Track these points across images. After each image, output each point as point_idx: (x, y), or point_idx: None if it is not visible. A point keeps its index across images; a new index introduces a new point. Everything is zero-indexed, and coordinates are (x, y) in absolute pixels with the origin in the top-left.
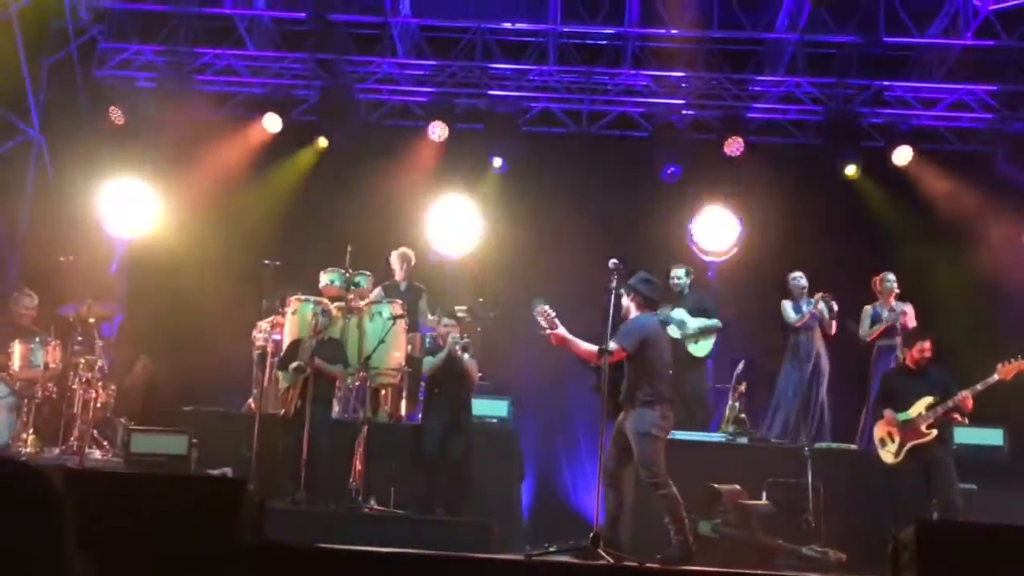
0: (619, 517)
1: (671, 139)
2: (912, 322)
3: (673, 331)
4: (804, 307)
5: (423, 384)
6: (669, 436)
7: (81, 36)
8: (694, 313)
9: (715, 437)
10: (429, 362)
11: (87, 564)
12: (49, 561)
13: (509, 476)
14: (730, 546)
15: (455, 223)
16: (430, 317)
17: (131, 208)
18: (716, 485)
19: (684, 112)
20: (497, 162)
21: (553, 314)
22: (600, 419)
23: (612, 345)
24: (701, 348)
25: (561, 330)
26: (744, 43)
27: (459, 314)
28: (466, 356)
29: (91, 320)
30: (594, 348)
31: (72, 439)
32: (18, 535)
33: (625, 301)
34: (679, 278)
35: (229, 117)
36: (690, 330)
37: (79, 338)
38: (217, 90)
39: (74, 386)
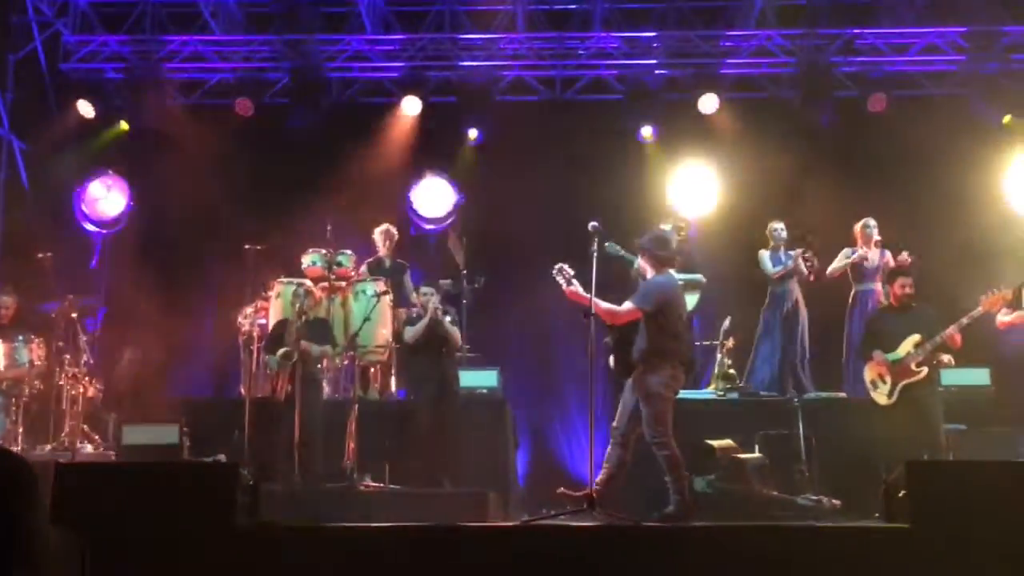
0: (618, 476)
1: (646, 99)
2: (892, 264)
3: None
4: (783, 258)
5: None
6: None
7: (46, 30)
8: (677, 269)
9: (705, 394)
10: (410, 331)
11: (71, 541)
12: (23, 530)
13: (503, 445)
14: (726, 501)
15: (435, 196)
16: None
17: (109, 201)
18: (709, 441)
19: (657, 72)
20: (473, 133)
21: (571, 272)
22: (589, 382)
23: (628, 305)
24: (687, 303)
25: (576, 286)
26: None
27: (444, 287)
28: (447, 319)
29: (74, 315)
30: (611, 307)
31: (63, 435)
32: None
33: (639, 261)
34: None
35: (201, 104)
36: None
37: (63, 334)
38: (187, 77)
39: (61, 382)
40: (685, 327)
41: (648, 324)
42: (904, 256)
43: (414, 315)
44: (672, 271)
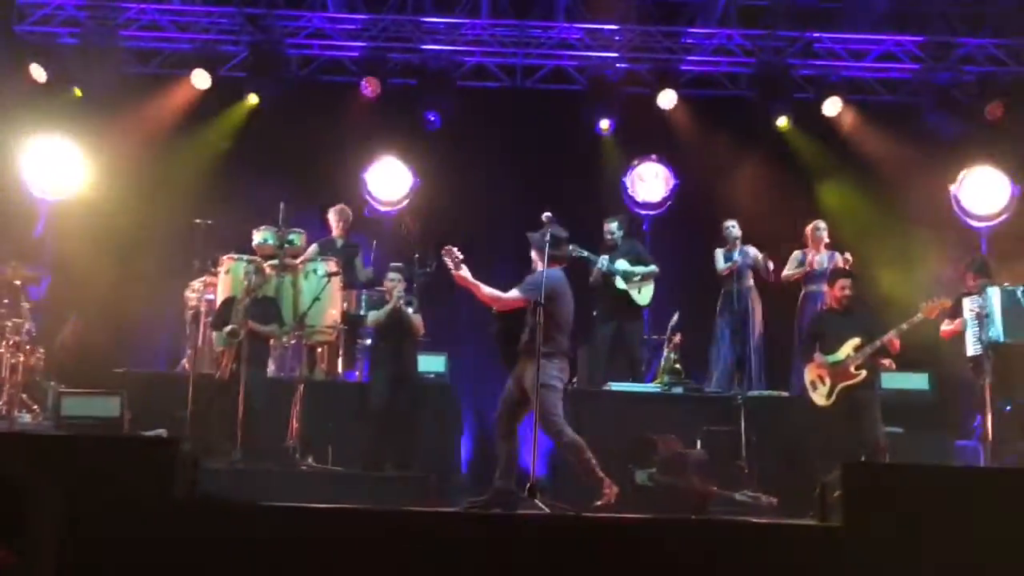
0: (513, 467)
1: (605, 92)
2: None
3: (619, 283)
4: (735, 256)
5: (359, 342)
6: (605, 387)
7: None
8: (632, 262)
9: (651, 388)
10: (373, 315)
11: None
12: None
13: (447, 430)
14: (666, 494)
15: (389, 179)
16: (364, 272)
17: (56, 168)
18: (652, 435)
19: (618, 65)
20: (432, 117)
21: (460, 256)
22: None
23: (515, 292)
24: (644, 296)
25: (464, 271)
26: None
27: (393, 271)
28: (410, 310)
29: (16, 282)
30: (496, 292)
31: (0, 404)
32: None
33: (533, 254)
34: (612, 232)
35: (156, 74)
36: (634, 278)
37: (5, 301)
38: (143, 46)
39: (1, 350)
40: (569, 322)
41: (534, 317)
42: (846, 257)
43: (365, 301)
44: (619, 261)
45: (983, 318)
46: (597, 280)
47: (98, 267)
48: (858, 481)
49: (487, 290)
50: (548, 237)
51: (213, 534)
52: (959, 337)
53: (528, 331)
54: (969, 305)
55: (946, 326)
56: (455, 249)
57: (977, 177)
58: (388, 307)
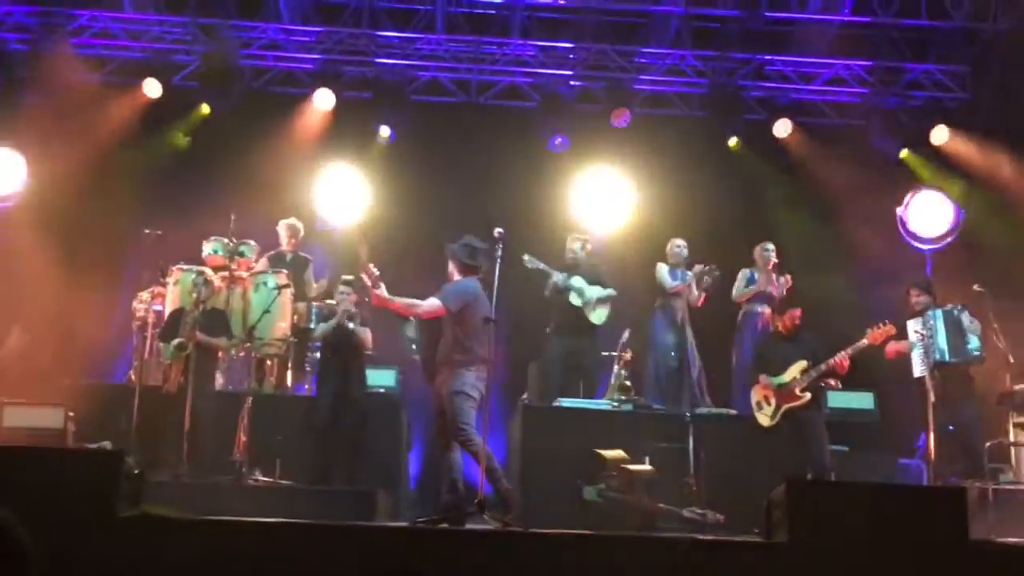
0: (459, 481)
1: (559, 109)
2: (785, 292)
3: (574, 298)
4: (680, 275)
5: (308, 355)
6: (555, 403)
7: None
8: (590, 282)
9: (601, 405)
10: (321, 327)
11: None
12: None
13: (396, 445)
14: (614, 510)
15: (342, 192)
16: (315, 285)
17: (2, 174)
18: (601, 451)
19: (572, 83)
20: (385, 131)
21: (377, 273)
22: (487, 385)
23: (434, 301)
24: (599, 316)
25: (381, 290)
26: (631, 15)
27: (344, 284)
28: (351, 325)
29: None
30: (411, 302)
31: None
32: None
33: (451, 266)
34: (575, 251)
35: (107, 82)
36: (590, 298)
37: None
38: (94, 54)
39: None
40: (484, 330)
41: (451, 327)
42: (785, 278)
43: (315, 314)
44: (576, 278)
45: (928, 339)
46: (552, 293)
47: (43, 277)
48: (803, 498)
49: (403, 301)
50: (461, 248)
51: (157, 548)
52: (904, 356)
53: (444, 343)
54: (914, 327)
55: (892, 345)
56: (372, 266)
57: (922, 200)
58: (333, 321)
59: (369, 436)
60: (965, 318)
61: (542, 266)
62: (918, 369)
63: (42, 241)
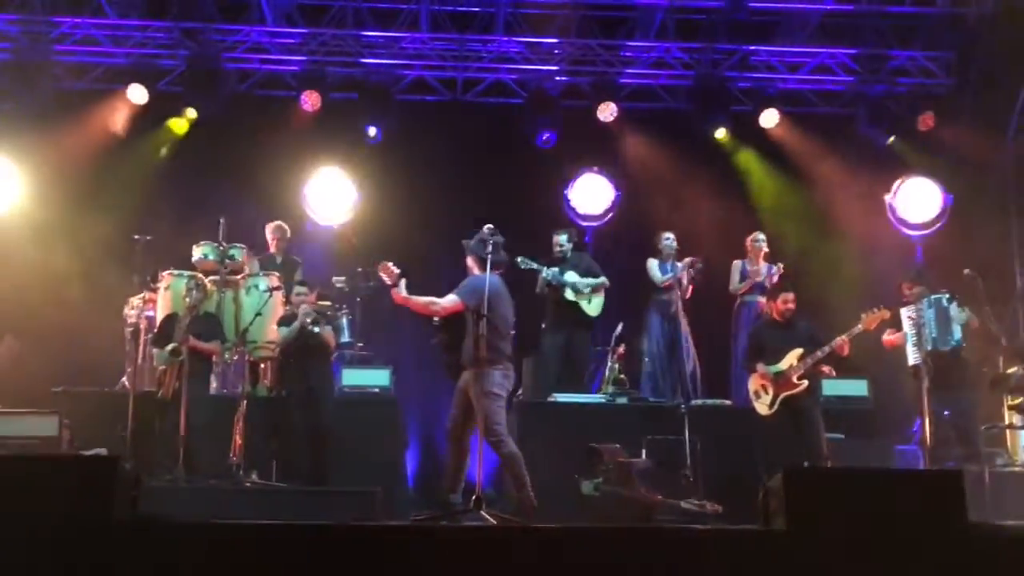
0: (460, 479)
1: (546, 105)
2: (777, 280)
3: (568, 294)
4: (670, 269)
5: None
6: (550, 398)
7: None
8: (582, 274)
9: (596, 398)
10: (284, 331)
11: None
12: None
13: (393, 444)
14: (611, 503)
15: (331, 193)
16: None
17: None
18: (597, 445)
19: (558, 78)
20: (372, 131)
21: (398, 271)
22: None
23: (452, 297)
24: (594, 307)
25: (401, 288)
26: (615, 9)
27: (337, 284)
28: (316, 329)
29: None
30: (430, 300)
31: None
32: None
33: (469, 260)
34: (561, 245)
35: (92, 89)
36: (583, 289)
37: None
38: (78, 60)
39: None
40: (508, 327)
41: (476, 324)
42: (779, 267)
43: (288, 314)
44: (568, 273)
45: (921, 327)
46: (543, 290)
47: (35, 284)
48: (800, 486)
49: (422, 300)
50: (489, 243)
51: (155, 554)
52: (900, 346)
53: (470, 340)
54: (907, 314)
55: (888, 336)
56: (391, 264)
57: (911, 187)
58: (295, 325)
59: (363, 434)
60: (954, 308)
61: (535, 266)
62: (912, 358)
63: (33, 249)
